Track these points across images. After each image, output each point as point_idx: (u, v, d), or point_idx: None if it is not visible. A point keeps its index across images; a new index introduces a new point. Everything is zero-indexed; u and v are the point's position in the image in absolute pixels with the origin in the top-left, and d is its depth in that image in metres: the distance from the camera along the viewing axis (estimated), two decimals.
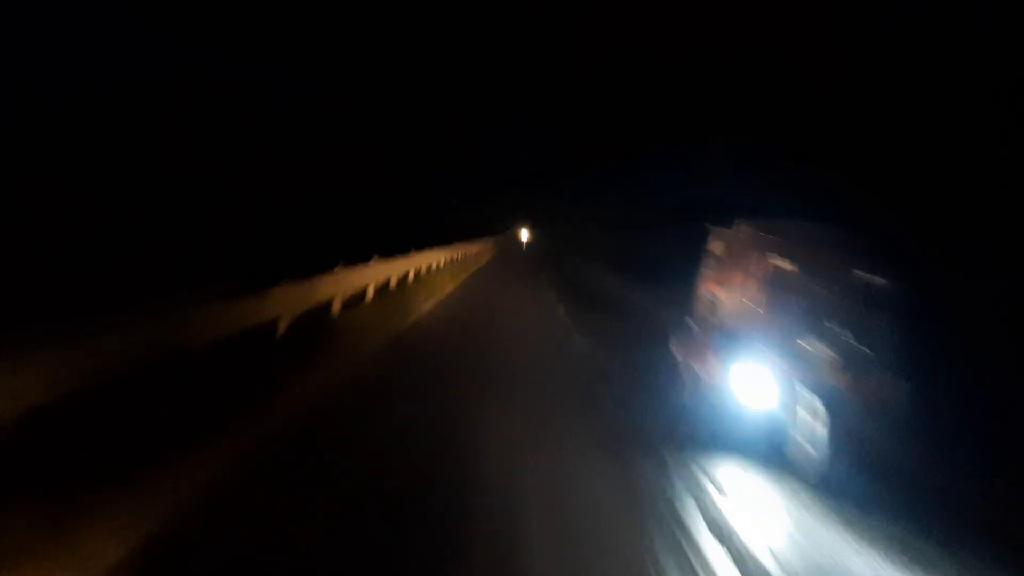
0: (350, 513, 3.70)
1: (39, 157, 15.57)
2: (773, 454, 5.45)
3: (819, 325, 5.71)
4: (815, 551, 4.01)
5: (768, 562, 3.70)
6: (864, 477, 5.07)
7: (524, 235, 69.35)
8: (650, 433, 5.90)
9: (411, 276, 15.53)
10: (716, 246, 7.99)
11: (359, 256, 11.20)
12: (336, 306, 9.85)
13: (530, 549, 3.47)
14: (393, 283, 13.80)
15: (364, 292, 11.76)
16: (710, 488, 4.72)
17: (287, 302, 7.67)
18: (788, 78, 17.27)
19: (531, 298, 17.59)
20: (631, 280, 20.74)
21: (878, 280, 5.82)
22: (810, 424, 5.21)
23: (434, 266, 19.06)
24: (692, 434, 5.93)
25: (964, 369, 7.22)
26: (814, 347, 5.60)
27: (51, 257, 10.45)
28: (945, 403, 6.39)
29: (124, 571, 2.85)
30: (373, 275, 11.87)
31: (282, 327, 7.67)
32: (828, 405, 5.15)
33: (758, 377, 5.64)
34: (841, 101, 14.91)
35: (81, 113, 18.06)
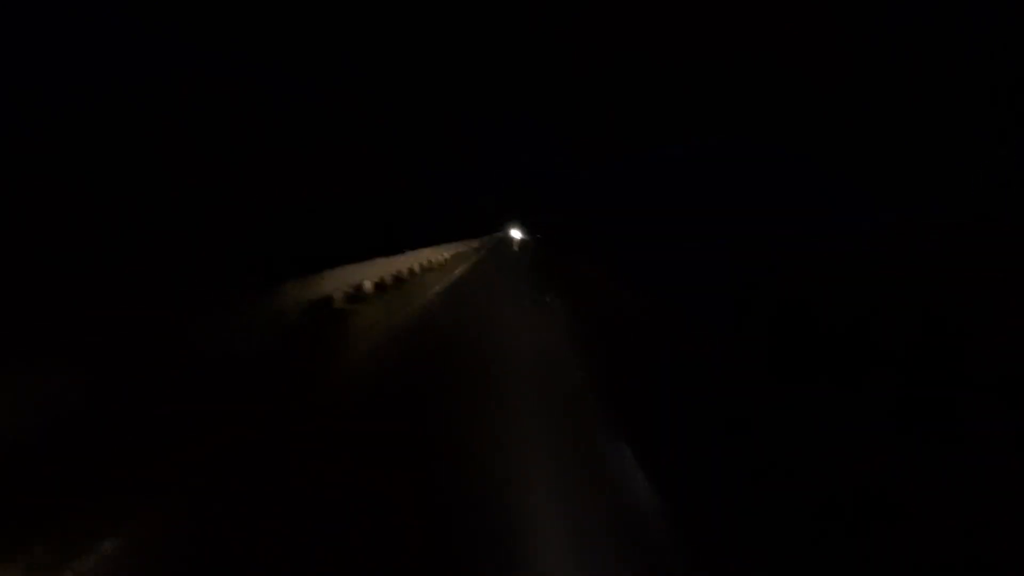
0: None
1: (39, 157, 15.57)
2: None
3: None
4: None
5: None
6: None
7: (516, 235, 65.41)
8: None
9: None
10: None
11: None
12: None
13: None
14: None
15: None
16: None
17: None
18: (788, 78, 17.27)
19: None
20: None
21: None
22: None
23: (367, 287, 11.80)
24: None
25: None
26: None
27: (50, 257, 10.45)
28: None
29: None
30: None
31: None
32: None
33: None
34: (841, 101, 14.91)
35: (81, 113, 18.06)
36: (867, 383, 6.65)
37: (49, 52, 19.01)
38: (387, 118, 44.95)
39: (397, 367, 6.92)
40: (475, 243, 38.51)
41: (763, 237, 18.06)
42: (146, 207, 16.57)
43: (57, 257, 10.57)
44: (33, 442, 3.82)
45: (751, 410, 5.94)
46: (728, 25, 21.88)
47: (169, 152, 20.05)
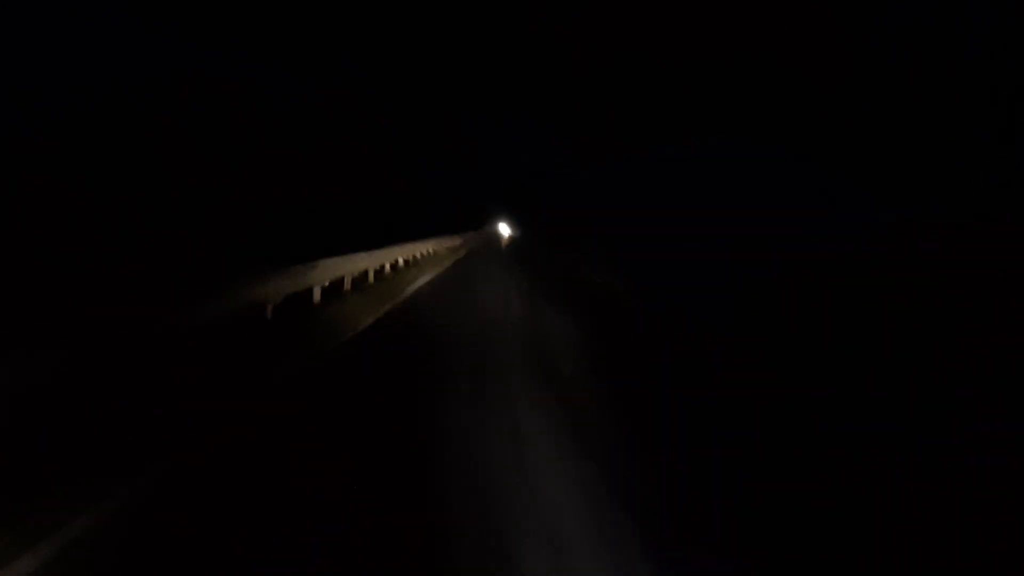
0: None
1: (39, 157, 15.57)
2: None
3: None
4: None
5: None
6: None
7: (505, 231, 63.59)
8: None
9: None
10: None
11: None
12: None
13: None
14: None
15: None
16: None
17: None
18: (788, 78, 17.27)
19: None
20: None
21: None
22: None
23: None
24: None
25: None
26: None
27: (51, 257, 10.44)
28: None
29: None
30: None
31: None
32: None
33: None
34: (841, 101, 14.92)
35: (81, 113, 18.06)
36: (865, 382, 6.65)
37: (49, 52, 19.00)
38: (387, 118, 44.92)
39: None
40: (457, 240, 33.53)
41: (763, 237, 18.06)
42: (146, 207, 16.56)
43: (57, 257, 10.57)
44: (24, 441, 3.82)
45: (749, 410, 5.92)
46: (728, 25, 21.87)
47: (169, 152, 20.05)
